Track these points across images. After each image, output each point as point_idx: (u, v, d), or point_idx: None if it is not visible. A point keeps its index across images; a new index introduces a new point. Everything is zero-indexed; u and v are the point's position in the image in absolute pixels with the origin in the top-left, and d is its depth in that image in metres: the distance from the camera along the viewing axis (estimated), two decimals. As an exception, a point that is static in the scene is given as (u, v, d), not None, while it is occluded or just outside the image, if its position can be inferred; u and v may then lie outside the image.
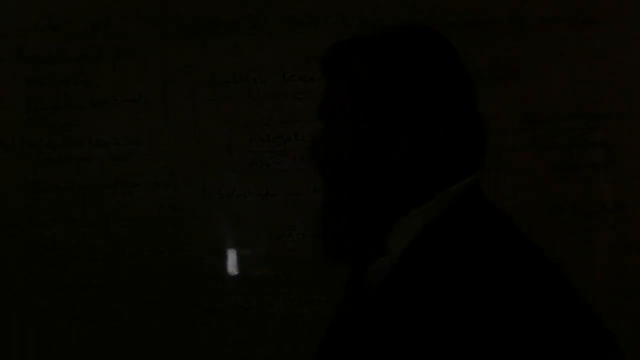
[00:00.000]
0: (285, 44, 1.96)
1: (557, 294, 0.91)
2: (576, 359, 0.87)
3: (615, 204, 2.01)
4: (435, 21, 1.99)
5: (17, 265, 1.88)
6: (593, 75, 2.02)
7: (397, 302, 0.92)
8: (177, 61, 1.93)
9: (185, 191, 1.92)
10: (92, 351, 1.88)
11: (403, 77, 0.96)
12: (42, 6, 1.91)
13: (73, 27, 1.92)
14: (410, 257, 0.94)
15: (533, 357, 0.82)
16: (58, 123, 1.91)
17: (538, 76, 2.01)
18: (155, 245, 1.91)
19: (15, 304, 1.87)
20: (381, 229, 0.97)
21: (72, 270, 1.89)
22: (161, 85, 1.93)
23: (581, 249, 1.99)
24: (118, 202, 1.91)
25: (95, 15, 1.92)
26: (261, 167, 1.94)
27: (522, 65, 2.01)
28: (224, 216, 1.94)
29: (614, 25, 2.01)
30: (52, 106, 1.91)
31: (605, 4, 2.01)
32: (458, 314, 0.85)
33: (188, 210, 1.92)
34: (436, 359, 0.84)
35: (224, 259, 1.94)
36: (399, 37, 1.01)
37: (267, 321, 1.92)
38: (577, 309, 0.90)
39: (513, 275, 0.89)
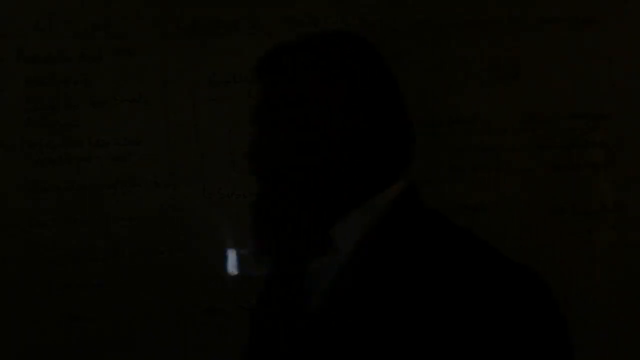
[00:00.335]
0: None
1: (508, 279, 0.91)
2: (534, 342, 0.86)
3: (615, 204, 2.01)
4: (435, 21, 1.99)
5: (17, 265, 1.88)
6: (593, 75, 2.02)
7: (363, 307, 0.90)
8: (177, 61, 1.93)
9: (185, 191, 1.92)
10: (92, 351, 1.88)
11: (334, 83, 0.99)
12: (42, 6, 1.91)
13: (73, 27, 1.92)
14: (363, 257, 0.94)
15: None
16: (58, 123, 1.91)
17: (538, 76, 2.01)
18: (155, 245, 1.91)
19: (15, 304, 1.87)
20: (319, 230, 0.97)
21: (72, 270, 1.89)
22: (161, 85, 1.93)
23: (581, 249, 1.99)
24: (118, 202, 1.91)
25: (95, 15, 1.92)
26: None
27: (522, 65, 2.01)
28: (224, 216, 1.94)
29: (614, 25, 2.01)
30: (52, 106, 1.91)
31: (605, 4, 2.01)
32: (433, 316, 0.85)
33: (188, 210, 1.92)
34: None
35: (224, 259, 1.94)
36: (330, 44, 1.05)
37: (267, 321, 1.92)
38: (531, 301, 0.90)
39: (472, 271, 0.89)
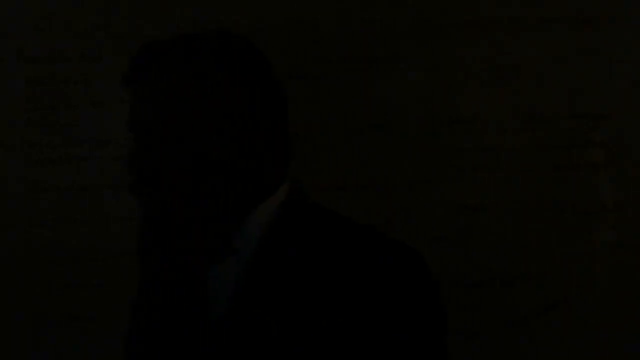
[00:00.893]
0: (285, 44, 1.96)
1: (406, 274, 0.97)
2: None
3: (615, 204, 2.01)
4: (435, 21, 2.00)
5: (17, 265, 1.88)
6: (593, 75, 2.02)
7: (267, 306, 0.93)
8: (177, 61, 1.93)
9: (185, 191, 1.92)
10: (92, 351, 1.88)
11: (216, 86, 0.99)
12: (42, 6, 1.91)
13: (73, 27, 1.92)
14: (262, 258, 0.97)
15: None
16: (58, 123, 1.91)
17: (538, 76, 2.01)
18: (155, 245, 1.91)
19: (15, 304, 1.87)
20: (217, 236, 0.98)
21: (72, 270, 1.89)
22: (161, 85, 1.93)
23: (581, 249, 1.99)
24: (118, 202, 1.91)
25: (95, 15, 1.92)
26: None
27: (522, 65, 2.01)
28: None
29: (614, 25, 2.01)
30: (52, 106, 1.91)
31: (605, 4, 2.01)
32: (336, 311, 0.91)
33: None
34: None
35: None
36: (211, 44, 1.04)
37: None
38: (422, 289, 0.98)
39: (358, 254, 0.95)
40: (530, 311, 1.97)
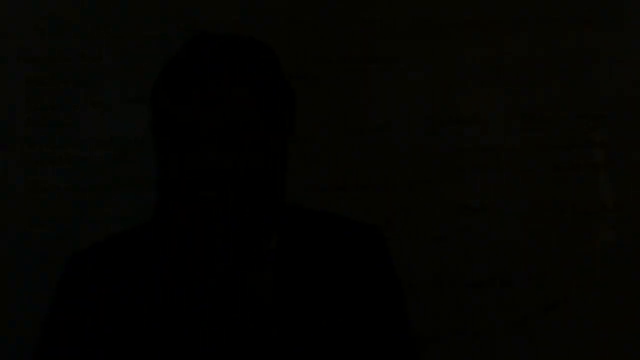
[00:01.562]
0: (286, 44, 1.96)
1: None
2: None
3: (615, 204, 2.01)
4: (435, 21, 2.00)
5: (17, 265, 1.88)
6: (593, 75, 2.02)
7: (307, 291, 1.10)
8: (177, 61, 1.93)
9: (185, 191, 1.92)
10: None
11: (274, 97, 1.12)
12: (42, 6, 1.91)
13: (73, 27, 1.92)
14: (294, 252, 1.13)
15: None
16: (58, 123, 1.91)
17: (538, 76, 2.01)
18: (155, 245, 1.91)
19: (15, 304, 1.87)
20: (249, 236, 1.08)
21: (72, 270, 1.88)
22: (161, 85, 1.93)
23: (581, 249, 1.99)
24: (118, 202, 1.91)
25: (95, 15, 1.92)
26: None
27: (522, 65, 2.01)
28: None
29: (614, 25, 2.01)
30: (52, 106, 1.91)
31: (605, 4, 2.01)
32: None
33: (188, 210, 1.92)
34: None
35: (224, 259, 1.94)
36: (268, 55, 1.17)
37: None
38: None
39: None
40: (530, 311, 1.97)
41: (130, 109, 1.92)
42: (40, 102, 1.91)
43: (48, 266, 1.89)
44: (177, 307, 1.04)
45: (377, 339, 1.13)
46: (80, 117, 1.92)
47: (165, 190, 1.06)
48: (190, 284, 1.03)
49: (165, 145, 1.06)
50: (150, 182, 1.93)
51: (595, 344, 1.97)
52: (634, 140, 2.01)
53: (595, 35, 2.02)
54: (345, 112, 1.98)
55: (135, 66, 1.92)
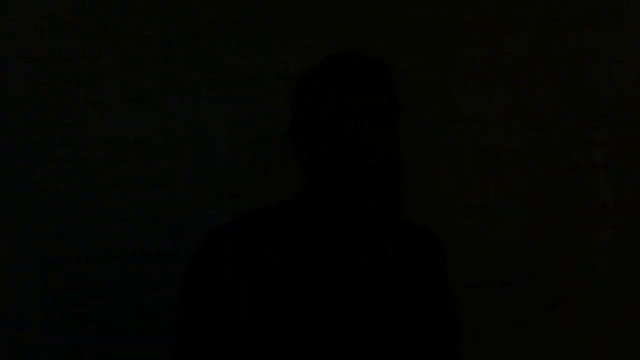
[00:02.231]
0: (286, 44, 1.97)
1: None
2: None
3: (615, 204, 2.01)
4: (435, 21, 2.00)
5: (17, 265, 1.88)
6: (593, 75, 2.02)
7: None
8: (177, 61, 1.93)
9: (185, 191, 1.92)
10: (92, 351, 1.88)
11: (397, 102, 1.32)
12: (42, 6, 1.91)
13: (73, 27, 1.92)
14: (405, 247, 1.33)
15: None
16: (58, 123, 1.91)
17: (538, 76, 2.01)
18: (156, 245, 1.91)
19: (15, 304, 1.87)
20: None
21: (72, 270, 1.89)
22: (161, 85, 1.93)
23: (581, 249, 1.99)
24: (118, 202, 1.91)
25: (95, 15, 1.93)
26: (261, 167, 1.95)
27: (522, 65, 2.01)
28: (224, 216, 1.94)
29: (614, 25, 2.01)
30: (52, 106, 1.91)
31: (605, 4, 2.01)
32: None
33: (188, 210, 1.92)
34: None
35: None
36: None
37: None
38: None
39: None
40: (530, 311, 1.97)
41: (130, 109, 1.93)
42: (40, 102, 1.91)
43: (48, 266, 1.89)
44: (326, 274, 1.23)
45: (442, 332, 1.31)
46: (80, 117, 1.92)
47: (323, 169, 1.25)
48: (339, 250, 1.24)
49: (319, 125, 1.27)
50: (151, 182, 1.93)
51: (595, 344, 1.97)
52: (634, 140, 2.01)
53: (595, 35, 2.02)
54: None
55: (135, 66, 1.93)
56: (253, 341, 1.18)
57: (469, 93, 2.00)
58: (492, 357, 1.96)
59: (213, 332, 1.23)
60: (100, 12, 1.93)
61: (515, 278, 1.97)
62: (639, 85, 2.02)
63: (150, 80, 1.93)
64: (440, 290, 1.35)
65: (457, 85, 2.00)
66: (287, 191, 1.97)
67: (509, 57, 2.01)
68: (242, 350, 1.19)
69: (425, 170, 1.99)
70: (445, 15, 1.99)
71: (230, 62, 1.95)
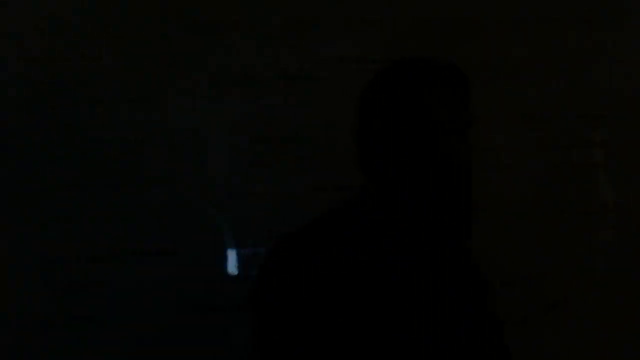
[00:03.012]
0: (286, 44, 1.97)
1: None
2: None
3: (615, 204, 2.01)
4: (435, 21, 2.00)
5: (17, 265, 1.88)
6: (593, 75, 2.02)
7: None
8: (177, 61, 1.93)
9: (185, 191, 1.92)
10: (92, 351, 1.88)
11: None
12: (42, 6, 1.91)
13: (73, 27, 1.92)
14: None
15: None
16: (58, 123, 1.91)
17: (538, 76, 2.01)
18: (156, 245, 1.91)
19: (15, 305, 1.87)
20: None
21: (72, 270, 1.89)
22: (161, 85, 1.93)
23: (581, 249, 1.99)
24: (118, 202, 1.91)
25: (95, 15, 1.92)
26: (261, 167, 1.95)
27: (522, 65, 2.01)
28: (224, 216, 1.94)
29: (614, 25, 2.01)
30: (52, 106, 1.91)
31: (605, 4, 2.01)
32: None
33: (188, 210, 1.92)
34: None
35: (224, 259, 1.94)
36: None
37: (267, 321, 1.92)
38: None
39: None
40: (530, 311, 1.97)
41: (130, 109, 1.92)
42: (40, 102, 1.91)
43: (48, 266, 1.89)
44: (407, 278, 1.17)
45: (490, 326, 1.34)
46: (80, 117, 1.92)
47: (412, 173, 1.23)
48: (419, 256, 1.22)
49: (415, 137, 1.25)
50: (151, 182, 1.93)
51: (595, 344, 1.97)
52: (634, 140, 2.01)
53: (595, 35, 2.02)
54: (345, 112, 1.97)
55: (135, 66, 1.92)
56: None
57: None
58: (492, 357, 1.96)
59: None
60: (100, 12, 1.93)
61: (515, 278, 1.97)
62: (639, 85, 2.02)
63: (150, 80, 1.93)
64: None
65: (457, 85, 1.99)
66: (287, 191, 1.97)
67: (509, 57, 2.00)
68: None
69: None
70: (445, 15, 1.99)
71: (230, 62, 1.95)
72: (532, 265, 1.98)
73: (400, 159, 1.25)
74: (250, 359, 1.18)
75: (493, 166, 1.99)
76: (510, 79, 2.00)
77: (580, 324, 1.98)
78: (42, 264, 1.88)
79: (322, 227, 1.24)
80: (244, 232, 1.94)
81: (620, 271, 1.99)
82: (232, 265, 1.95)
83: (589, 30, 2.02)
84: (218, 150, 1.94)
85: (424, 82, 1.27)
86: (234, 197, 1.94)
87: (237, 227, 1.94)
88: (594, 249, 1.99)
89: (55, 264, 1.89)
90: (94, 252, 1.90)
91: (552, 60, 2.01)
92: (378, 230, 1.21)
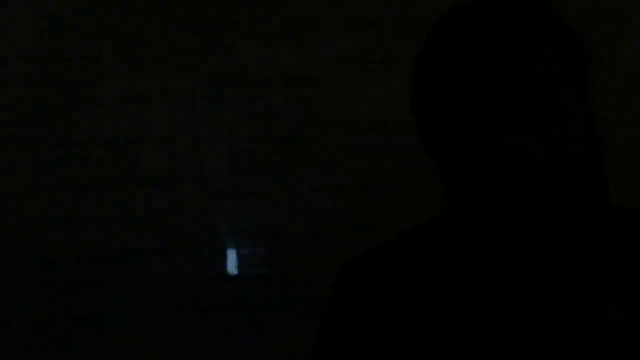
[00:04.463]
0: (286, 44, 1.97)
1: None
2: None
3: (615, 204, 2.00)
4: (435, 21, 1.99)
5: (17, 265, 1.88)
6: (593, 75, 2.02)
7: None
8: (177, 61, 1.93)
9: (185, 191, 1.92)
10: (91, 351, 1.88)
11: None
12: (42, 6, 1.91)
13: (73, 27, 1.92)
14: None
15: None
16: (58, 123, 1.91)
17: (538, 76, 2.01)
18: (156, 245, 1.91)
19: (15, 305, 1.87)
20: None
21: (72, 270, 1.89)
22: (161, 85, 1.93)
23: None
24: (118, 202, 1.91)
25: (95, 15, 1.92)
26: (261, 167, 1.95)
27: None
28: (224, 216, 1.94)
29: (614, 25, 2.01)
30: (52, 106, 1.91)
31: (605, 4, 2.01)
32: None
33: (188, 211, 1.92)
34: None
35: (224, 259, 1.94)
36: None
37: (267, 321, 1.93)
38: None
39: None
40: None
41: (130, 109, 1.92)
42: (40, 102, 1.91)
43: (48, 266, 1.89)
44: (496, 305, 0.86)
45: None
46: (80, 117, 1.92)
47: (460, 182, 0.87)
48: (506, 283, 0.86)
49: (449, 128, 0.88)
50: (151, 182, 1.93)
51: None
52: (634, 140, 2.01)
53: (595, 35, 2.02)
54: (345, 112, 1.98)
55: (135, 66, 1.92)
56: None
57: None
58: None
59: None
60: (100, 12, 1.93)
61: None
62: (639, 85, 2.01)
63: (150, 80, 1.93)
64: None
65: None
66: (286, 191, 1.97)
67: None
68: None
69: (425, 170, 1.98)
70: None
71: (230, 62, 1.95)
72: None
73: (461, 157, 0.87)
74: None
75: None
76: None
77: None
78: (42, 264, 1.88)
79: (398, 244, 1.05)
80: (244, 232, 1.94)
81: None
82: (232, 265, 1.95)
83: (589, 30, 2.02)
84: (218, 150, 1.94)
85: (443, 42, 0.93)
86: (234, 197, 1.94)
87: (237, 227, 1.94)
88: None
89: (55, 264, 1.89)
90: (94, 252, 1.90)
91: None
92: (458, 250, 0.92)
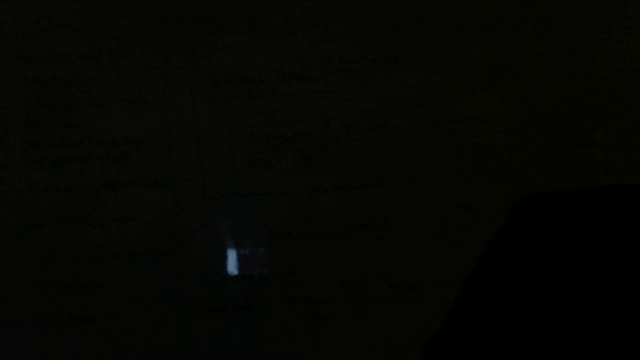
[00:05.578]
0: (286, 44, 1.97)
1: None
2: None
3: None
4: (435, 21, 1.99)
5: (17, 265, 1.88)
6: (593, 75, 2.02)
7: None
8: (177, 61, 1.93)
9: (185, 191, 1.92)
10: (91, 351, 1.88)
11: None
12: (42, 6, 1.91)
13: (73, 27, 1.92)
14: None
15: None
16: (58, 123, 1.91)
17: (538, 76, 2.01)
18: (155, 245, 1.91)
19: (15, 305, 1.87)
20: None
21: (72, 270, 1.89)
22: (161, 85, 1.93)
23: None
24: (118, 202, 1.91)
25: (95, 15, 1.92)
26: (261, 167, 1.94)
27: (522, 65, 2.01)
28: (224, 216, 1.94)
29: (614, 25, 2.01)
30: (52, 106, 1.91)
31: (605, 4, 2.01)
32: None
33: (188, 211, 1.92)
34: None
35: (224, 259, 1.94)
36: None
37: (267, 321, 1.93)
38: None
39: None
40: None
41: (130, 109, 1.92)
42: (40, 102, 1.91)
43: (48, 266, 1.89)
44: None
45: None
46: (80, 117, 1.92)
47: None
48: None
49: None
50: (151, 182, 1.93)
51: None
52: (634, 140, 2.01)
53: (595, 35, 2.02)
54: (346, 112, 1.98)
55: (135, 66, 1.92)
56: None
57: (468, 93, 1.99)
58: (492, 357, 1.96)
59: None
60: (100, 12, 1.93)
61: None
62: (639, 85, 2.01)
63: (150, 80, 1.93)
64: None
65: (457, 85, 1.99)
66: (287, 191, 1.97)
67: (509, 57, 2.00)
68: None
69: (425, 170, 1.98)
70: (446, 15, 1.99)
71: (230, 62, 1.95)
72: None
73: None
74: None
75: (493, 166, 1.99)
76: (511, 79, 2.00)
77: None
78: (41, 264, 1.88)
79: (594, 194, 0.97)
80: (244, 232, 1.94)
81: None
82: (232, 265, 1.95)
83: (589, 30, 2.02)
84: (218, 150, 1.94)
85: None
86: (234, 197, 1.94)
87: (237, 227, 1.94)
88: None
89: (55, 264, 1.89)
90: (94, 252, 1.89)
91: (552, 60, 2.00)
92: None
